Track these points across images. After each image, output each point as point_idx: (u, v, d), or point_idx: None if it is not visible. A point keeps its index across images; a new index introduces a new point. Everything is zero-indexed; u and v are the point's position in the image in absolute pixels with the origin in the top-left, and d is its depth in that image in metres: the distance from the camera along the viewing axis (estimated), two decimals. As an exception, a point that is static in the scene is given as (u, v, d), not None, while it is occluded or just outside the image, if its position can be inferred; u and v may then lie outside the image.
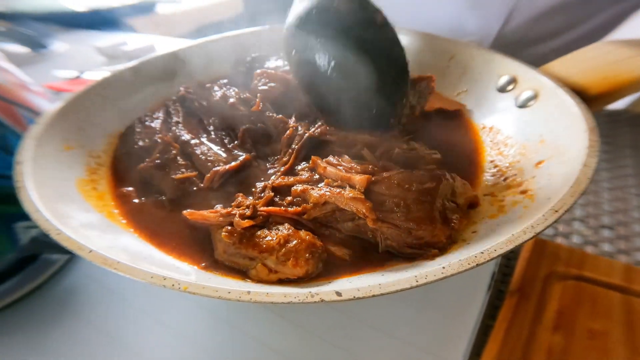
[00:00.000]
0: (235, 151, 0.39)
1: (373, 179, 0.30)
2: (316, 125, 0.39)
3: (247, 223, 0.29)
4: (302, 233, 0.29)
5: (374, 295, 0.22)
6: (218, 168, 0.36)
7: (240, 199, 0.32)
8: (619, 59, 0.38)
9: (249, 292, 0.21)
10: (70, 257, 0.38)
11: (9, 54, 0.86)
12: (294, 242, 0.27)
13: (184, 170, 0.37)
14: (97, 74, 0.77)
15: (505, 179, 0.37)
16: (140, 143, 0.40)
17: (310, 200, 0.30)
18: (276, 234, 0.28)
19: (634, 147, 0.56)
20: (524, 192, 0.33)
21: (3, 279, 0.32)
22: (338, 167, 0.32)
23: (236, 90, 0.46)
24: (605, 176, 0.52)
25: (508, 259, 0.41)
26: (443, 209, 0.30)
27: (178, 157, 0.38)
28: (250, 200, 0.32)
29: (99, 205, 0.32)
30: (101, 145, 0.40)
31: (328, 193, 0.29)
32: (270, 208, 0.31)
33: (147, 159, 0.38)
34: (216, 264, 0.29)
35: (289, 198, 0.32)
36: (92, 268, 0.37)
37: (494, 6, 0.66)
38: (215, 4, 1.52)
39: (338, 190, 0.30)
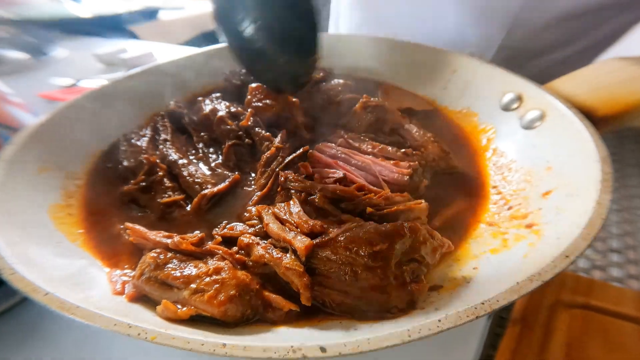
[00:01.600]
0: (219, 170, 0.37)
1: (317, 242, 0.27)
2: (300, 150, 0.38)
3: (185, 244, 0.27)
4: (240, 273, 0.25)
5: (361, 352, 0.20)
6: (206, 191, 0.34)
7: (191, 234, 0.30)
8: (627, 78, 0.36)
9: (224, 345, 0.19)
10: None
11: (8, 60, 0.85)
12: (224, 274, 0.24)
13: (170, 193, 0.35)
14: (93, 82, 0.76)
15: (509, 208, 0.34)
16: (125, 163, 0.38)
17: (252, 257, 0.28)
18: (207, 266, 0.25)
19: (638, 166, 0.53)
20: (529, 226, 0.30)
21: None
22: (286, 221, 0.30)
23: (227, 104, 0.45)
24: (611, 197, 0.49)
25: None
26: (401, 272, 0.26)
27: (165, 179, 0.36)
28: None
29: (71, 234, 0.30)
30: (80, 165, 0.38)
31: (267, 256, 0.27)
32: (217, 246, 0.29)
33: (132, 181, 0.36)
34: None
35: (235, 249, 0.29)
36: None
37: (496, 18, 0.64)
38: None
39: (278, 254, 0.27)
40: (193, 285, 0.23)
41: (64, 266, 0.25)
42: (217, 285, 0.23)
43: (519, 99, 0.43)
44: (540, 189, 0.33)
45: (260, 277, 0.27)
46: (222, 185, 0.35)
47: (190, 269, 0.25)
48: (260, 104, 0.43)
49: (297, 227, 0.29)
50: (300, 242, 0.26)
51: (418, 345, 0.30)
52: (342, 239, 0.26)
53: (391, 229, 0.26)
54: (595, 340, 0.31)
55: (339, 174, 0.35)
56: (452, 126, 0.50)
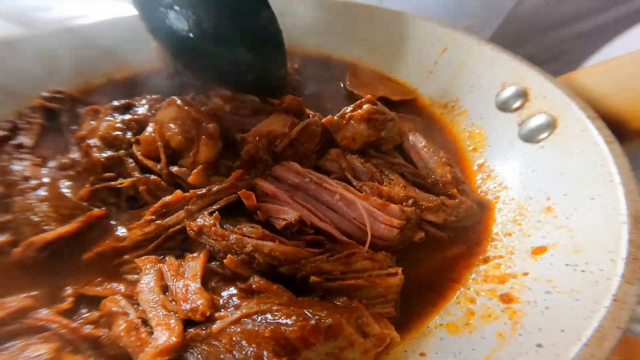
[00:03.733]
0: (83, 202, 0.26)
1: (191, 335, 0.19)
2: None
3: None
4: None
5: None
6: (35, 238, 0.24)
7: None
8: None
9: None
10: None
11: None
12: None
13: None
14: None
15: (485, 260, 0.25)
16: None
17: (109, 332, 0.21)
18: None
19: None
20: (505, 299, 0.21)
21: None
22: (170, 289, 0.22)
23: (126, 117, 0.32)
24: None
25: None
26: None
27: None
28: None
29: None
30: None
31: (125, 339, 0.20)
32: (49, 317, 0.21)
33: None
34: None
35: (97, 314, 0.22)
36: None
37: None
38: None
39: (139, 341, 0.19)
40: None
41: None
42: None
43: (522, 95, 0.31)
44: (531, 240, 0.23)
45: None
46: (66, 227, 0.24)
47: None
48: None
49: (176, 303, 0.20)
50: (163, 337, 0.19)
51: None
52: (227, 335, 0.18)
53: (297, 335, 0.17)
54: None
55: (292, 216, 0.25)
56: (433, 123, 0.39)
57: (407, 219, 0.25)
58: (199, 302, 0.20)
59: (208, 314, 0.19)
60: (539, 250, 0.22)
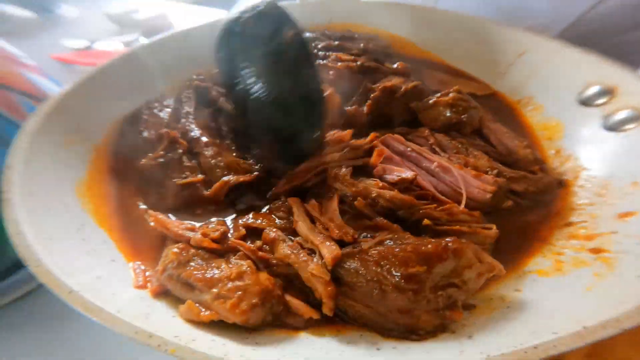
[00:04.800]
0: (247, 158, 0.35)
1: (346, 251, 0.25)
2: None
3: (206, 242, 0.26)
4: (262, 276, 0.24)
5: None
6: (228, 178, 0.32)
7: (214, 224, 0.29)
8: None
9: None
10: None
11: (13, 19, 0.81)
12: (247, 281, 0.23)
13: (188, 173, 0.33)
14: (108, 45, 0.73)
15: (568, 224, 0.30)
16: (145, 134, 0.36)
17: (276, 254, 0.26)
18: (229, 267, 0.25)
19: None
20: (595, 251, 0.26)
21: (7, 275, 0.32)
22: (318, 219, 0.28)
23: None
24: None
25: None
26: (435, 297, 0.23)
27: (184, 157, 0.34)
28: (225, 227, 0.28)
29: (96, 215, 0.29)
30: (105, 137, 0.37)
31: (292, 257, 0.25)
32: (239, 242, 0.27)
33: (150, 154, 0.34)
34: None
35: (259, 242, 0.28)
36: None
37: None
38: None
39: (305, 257, 0.25)
40: (215, 290, 0.23)
41: (86, 253, 0.25)
42: (240, 293, 0.22)
43: (608, 93, 0.34)
44: (616, 208, 0.27)
45: (282, 278, 0.26)
46: (247, 176, 0.32)
47: (213, 271, 0.24)
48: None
49: (327, 229, 0.27)
50: (328, 250, 0.25)
51: None
52: (374, 252, 0.24)
53: (432, 250, 0.23)
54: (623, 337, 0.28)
55: (408, 174, 0.31)
56: (507, 115, 0.43)
57: (498, 186, 0.30)
58: (343, 230, 0.26)
59: (356, 236, 0.26)
60: (626, 215, 0.26)
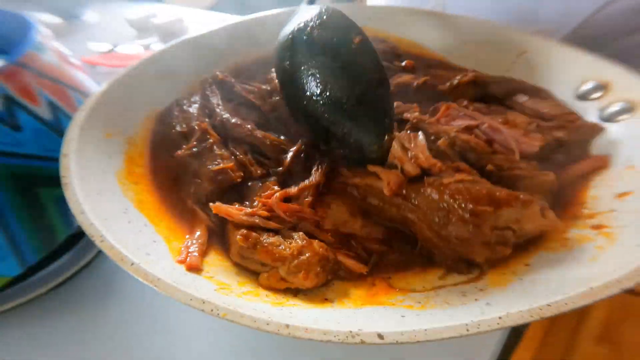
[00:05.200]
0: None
1: (427, 180, 0.28)
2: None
3: (270, 224, 0.29)
4: (316, 244, 0.28)
5: (418, 342, 0.20)
6: (290, 153, 0.35)
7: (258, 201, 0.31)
8: None
9: (287, 326, 0.21)
10: None
11: (42, 24, 0.86)
12: (307, 254, 0.27)
13: (219, 160, 0.35)
14: (129, 48, 0.77)
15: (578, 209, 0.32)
16: (178, 128, 0.39)
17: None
18: (289, 245, 0.28)
19: None
20: (597, 227, 0.28)
21: (57, 256, 0.34)
22: (407, 149, 0.31)
23: None
24: None
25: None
26: (492, 234, 0.26)
27: (215, 146, 0.36)
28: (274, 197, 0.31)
29: (136, 201, 0.32)
30: (137, 129, 0.39)
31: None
32: (288, 205, 0.30)
33: (184, 146, 0.37)
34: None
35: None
36: None
37: None
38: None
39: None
40: (285, 267, 0.27)
41: (134, 233, 0.27)
42: (305, 266, 0.27)
43: (603, 87, 0.37)
44: (614, 189, 0.30)
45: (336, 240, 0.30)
46: (294, 149, 0.35)
47: (279, 249, 0.28)
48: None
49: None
50: (412, 167, 0.29)
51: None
52: (453, 187, 0.27)
53: (504, 196, 0.26)
54: (632, 321, 0.31)
55: (473, 122, 0.35)
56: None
57: (547, 141, 0.34)
58: (432, 161, 0.30)
59: (443, 169, 0.29)
60: (623, 194, 0.29)
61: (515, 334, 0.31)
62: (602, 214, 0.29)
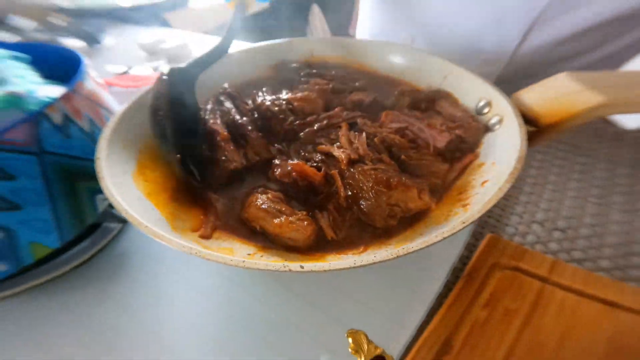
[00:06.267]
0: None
1: (357, 166, 0.41)
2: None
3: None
4: (301, 214, 0.37)
5: (324, 270, 0.32)
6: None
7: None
8: (569, 92, 0.43)
9: (244, 262, 0.33)
10: (122, 226, 0.49)
11: (73, 48, 1.01)
12: (301, 218, 0.37)
13: (227, 154, 0.44)
14: (141, 70, 0.91)
15: (459, 193, 0.45)
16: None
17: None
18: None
19: (608, 161, 0.60)
20: (464, 205, 0.41)
21: (78, 241, 0.45)
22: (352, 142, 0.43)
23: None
24: (574, 186, 0.58)
25: (470, 251, 0.49)
26: (386, 208, 0.38)
27: (222, 143, 0.45)
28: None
29: (146, 193, 0.43)
30: (146, 141, 0.49)
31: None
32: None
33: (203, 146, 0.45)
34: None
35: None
36: (137, 237, 0.48)
37: (512, 24, 0.65)
38: None
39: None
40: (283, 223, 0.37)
41: (145, 212, 0.39)
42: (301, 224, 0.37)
43: (489, 105, 0.52)
44: (482, 179, 0.43)
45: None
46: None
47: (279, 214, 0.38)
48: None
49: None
50: (353, 154, 0.41)
51: (393, 291, 0.42)
52: (368, 172, 0.39)
53: (394, 182, 0.39)
54: (511, 292, 0.41)
55: (401, 125, 0.48)
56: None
57: (449, 138, 0.47)
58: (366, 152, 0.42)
59: (372, 157, 0.40)
60: (485, 182, 0.42)
61: (432, 312, 0.41)
62: (471, 196, 0.42)
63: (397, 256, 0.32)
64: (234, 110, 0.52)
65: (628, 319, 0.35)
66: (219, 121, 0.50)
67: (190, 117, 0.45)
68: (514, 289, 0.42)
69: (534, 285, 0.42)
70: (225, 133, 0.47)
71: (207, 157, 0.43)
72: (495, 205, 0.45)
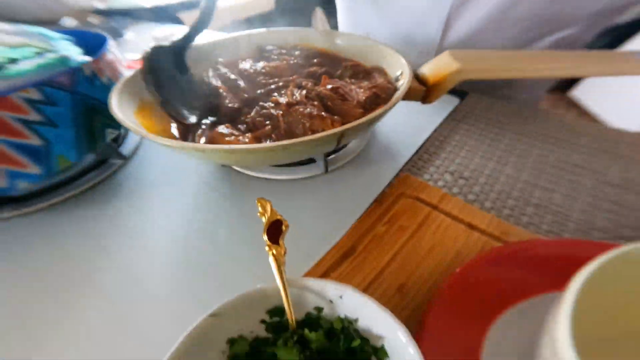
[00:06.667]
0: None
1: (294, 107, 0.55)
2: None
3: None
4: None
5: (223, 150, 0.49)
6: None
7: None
8: (444, 63, 0.60)
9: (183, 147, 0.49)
10: (122, 163, 0.61)
11: None
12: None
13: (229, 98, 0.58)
14: None
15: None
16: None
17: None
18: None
19: (516, 133, 0.73)
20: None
21: (88, 172, 0.59)
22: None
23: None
24: (485, 149, 0.72)
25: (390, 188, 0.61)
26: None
27: (225, 92, 0.63)
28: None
29: (143, 124, 0.62)
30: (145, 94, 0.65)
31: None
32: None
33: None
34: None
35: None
36: (133, 171, 0.61)
37: (430, 24, 0.81)
38: (250, 0, 1.82)
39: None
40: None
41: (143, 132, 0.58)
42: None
43: (402, 74, 0.67)
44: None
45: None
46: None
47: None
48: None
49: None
50: (292, 99, 0.56)
51: (325, 212, 0.52)
52: (300, 110, 0.53)
53: (315, 116, 0.54)
54: (407, 214, 0.53)
55: (336, 85, 0.64)
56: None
57: (368, 95, 0.61)
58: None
59: (306, 102, 0.54)
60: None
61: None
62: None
63: (284, 146, 0.45)
64: (227, 73, 0.72)
65: (475, 237, 0.43)
66: (219, 81, 0.64)
67: (185, 76, 0.61)
68: (410, 212, 0.53)
69: (424, 211, 0.53)
70: (225, 87, 0.61)
71: (212, 103, 0.59)
72: (419, 158, 0.61)
